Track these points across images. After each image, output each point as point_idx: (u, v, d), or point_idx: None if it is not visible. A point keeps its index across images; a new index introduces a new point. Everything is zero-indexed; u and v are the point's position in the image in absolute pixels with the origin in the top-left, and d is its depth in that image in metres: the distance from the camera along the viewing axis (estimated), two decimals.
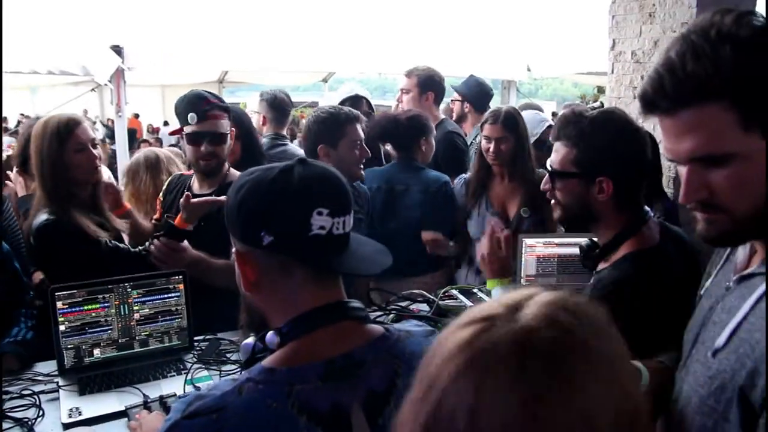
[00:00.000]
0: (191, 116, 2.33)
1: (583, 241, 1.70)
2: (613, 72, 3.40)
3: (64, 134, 2.24)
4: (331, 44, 6.40)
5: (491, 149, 2.74)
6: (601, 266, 1.64)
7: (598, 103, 5.23)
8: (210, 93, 2.41)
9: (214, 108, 2.36)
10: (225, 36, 6.03)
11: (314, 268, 1.00)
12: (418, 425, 0.60)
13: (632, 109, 3.31)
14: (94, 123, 13.25)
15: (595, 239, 1.69)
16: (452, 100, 4.14)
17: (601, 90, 8.79)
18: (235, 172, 2.57)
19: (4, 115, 14.36)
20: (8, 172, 3.07)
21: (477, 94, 3.89)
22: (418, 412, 0.60)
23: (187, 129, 2.37)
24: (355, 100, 3.22)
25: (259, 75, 10.23)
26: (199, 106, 2.34)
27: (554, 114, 9.66)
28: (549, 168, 1.60)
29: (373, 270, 1.06)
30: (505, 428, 0.55)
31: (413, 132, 2.97)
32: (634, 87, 3.27)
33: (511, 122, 2.75)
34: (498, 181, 2.86)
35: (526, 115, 3.16)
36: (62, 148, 2.23)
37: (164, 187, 2.68)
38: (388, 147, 3.22)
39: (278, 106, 3.56)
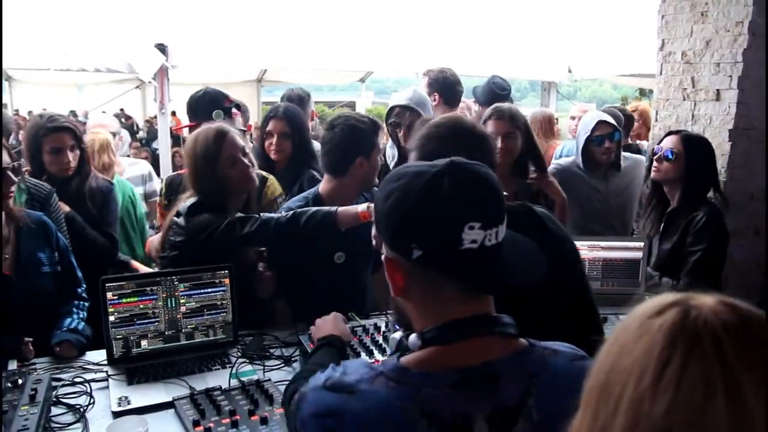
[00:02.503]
0: (217, 113, 2.44)
1: None
2: (661, 73, 3.31)
3: (214, 151, 2.18)
4: (369, 44, 6.41)
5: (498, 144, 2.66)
6: None
7: (641, 104, 5.13)
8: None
9: (233, 106, 2.54)
10: (265, 35, 6.10)
11: (464, 284, 0.97)
12: (655, 417, 0.58)
13: (681, 111, 3.24)
14: (128, 122, 13.56)
15: None
16: (474, 101, 4.14)
17: (642, 92, 8.61)
18: None
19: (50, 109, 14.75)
20: None
21: (487, 94, 3.86)
22: (649, 408, 0.59)
23: (210, 125, 2.42)
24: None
25: (297, 75, 10.31)
26: (224, 104, 2.49)
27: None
28: None
29: (525, 284, 1.03)
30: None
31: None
32: (684, 88, 3.19)
33: (517, 118, 2.74)
34: None
35: (584, 116, 3.20)
36: (214, 165, 2.18)
37: (164, 189, 2.71)
38: None
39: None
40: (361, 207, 2.08)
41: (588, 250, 2.61)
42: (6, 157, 2.00)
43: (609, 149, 3.04)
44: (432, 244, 0.94)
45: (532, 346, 1.01)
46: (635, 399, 0.59)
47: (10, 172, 1.99)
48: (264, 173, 2.62)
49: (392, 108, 3.04)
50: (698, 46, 3.10)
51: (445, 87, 3.45)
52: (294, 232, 2.10)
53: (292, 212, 2.14)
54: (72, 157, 2.65)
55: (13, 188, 2.03)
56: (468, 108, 3.93)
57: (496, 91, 3.86)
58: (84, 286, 2.27)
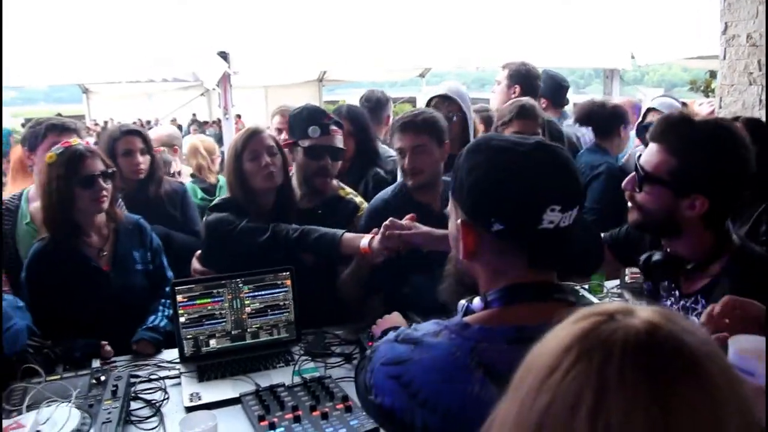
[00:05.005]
0: (313, 129, 2.34)
1: (657, 253, 1.59)
2: (725, 57, 3.19)
3: (240, 146, 2.33)
4: (428, 39, 6.42)
5: None
6: (698, 284, 1.53)
7: (714, 94, 4.94)
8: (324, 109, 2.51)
9: (333, 123, 2.42)
10: (323, 36, 6.21)
11: (534, 259, 1.03)
12: (533, 414, 0.59)
13: (747, 96, 3.11)
14: (204, 124, 14.08)
15: (668, 251, 1.58)
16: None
17: (713, 74, 8.23)
18: (334, 184, 2.56)
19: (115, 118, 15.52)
20: None
21: (551, 88, 3.79)
22: (531, 404, 0.60)
23: (306, 143, 2.38)
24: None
25: (358, 72, 10.42)
26: (321, 120, 2.38)
27: None
28: (639, 168, 1.50)
29: (585, 268, 1.12)
30: (630, 420, 0.54)
31: (615, 119, 3.12)
32: (750, 72, 3.06)
33: (539, 116, 2.74)
34: None
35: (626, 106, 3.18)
36: (240, 160, 2.32)
37: None
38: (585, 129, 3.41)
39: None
40: (364, 241, 2.07)
41: None
42: (101, 165, 2.23)
43: None
44: (513, 222, 1.00)
45: None
46: (527, 393, 0.61)
47: (101, 180, 2.20)
48: (357, 200, 2.56)
49: (429, 100, 2.89)
50: (765, 28, 2.97)
51: (526, 80, 3.44)
52: (301, 249, 2.20)
53: (301, 229, 2.20)
54: (142, 160, 2.83)
55: (105, 192, 2.22)
56: None
57: (561, 84, 3.80)
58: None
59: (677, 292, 1.58)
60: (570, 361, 0.59)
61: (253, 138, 2.33)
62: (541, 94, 3.83)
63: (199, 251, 2.49)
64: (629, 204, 1.57)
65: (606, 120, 3.14)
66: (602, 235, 1.85)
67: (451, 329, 1.03)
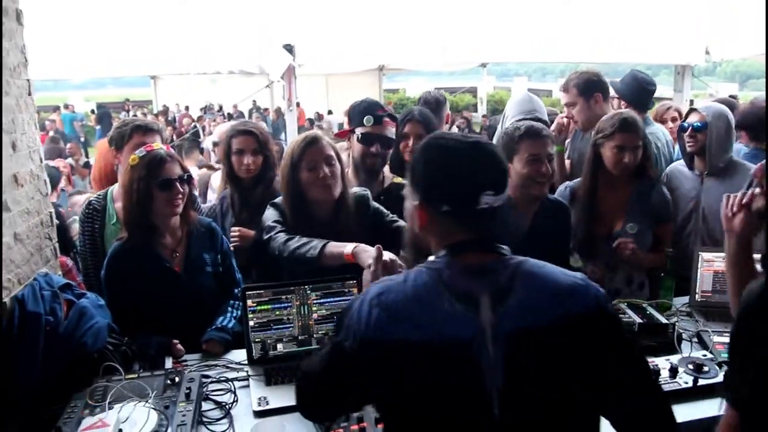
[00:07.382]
0: (368, 118, 2.64)
1: None
2: None
3: (297, 155, 2.36)
4: (489, 32, 6.32)
5: (626, 158, 2.64)
6: None
7: None
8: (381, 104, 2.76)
9: (386, 115, 2.69)
10: (385, 27, 6.21)
11: (475, 232, 1.30)
12: None
13: None
14: (265, 110, 14.31)
15: None
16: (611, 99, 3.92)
17: None
18: (389, 175, 2.80)
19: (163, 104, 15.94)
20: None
21: (635, 91, 3.62)
22: None
23: (361, 130, 2.67)
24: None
25: (418, 61, 10.37)
26: (376, 112, 2.68)
27: (732, 97, 8.60)
28: None
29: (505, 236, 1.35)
30: None
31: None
32: None
33: (641, 129, 2.68)
34: (607, 193, 2.75)
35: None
36: (296, 169, 2.36)
37: None
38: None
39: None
40: (348, 248, 2.11)
41: (722, 261, 2.46)
42: (179, 169, 2.31)
43: (692, 138, 2.85)
44: (458, 204, 1.29)
45: (521, 257, 1.32)
46: None
47: (178, 183, 2.28)
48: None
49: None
50: None
51: (599, 83, 3.35)
52: (288, 257, 2.25)
53: (296, 238, 2.26)
54: (252, 161, 2.86)
55: (180, 196, 2.29)
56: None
57: (645, 87, 3.66)
58: (241, 286, 2.50)
59: None
60: None
61: (311, 147, 2.36)
62: (622, 96, 3.68)
63: None
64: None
65: (762, 122, 2.99)
66: None
67: (423, 265, 1.32)
